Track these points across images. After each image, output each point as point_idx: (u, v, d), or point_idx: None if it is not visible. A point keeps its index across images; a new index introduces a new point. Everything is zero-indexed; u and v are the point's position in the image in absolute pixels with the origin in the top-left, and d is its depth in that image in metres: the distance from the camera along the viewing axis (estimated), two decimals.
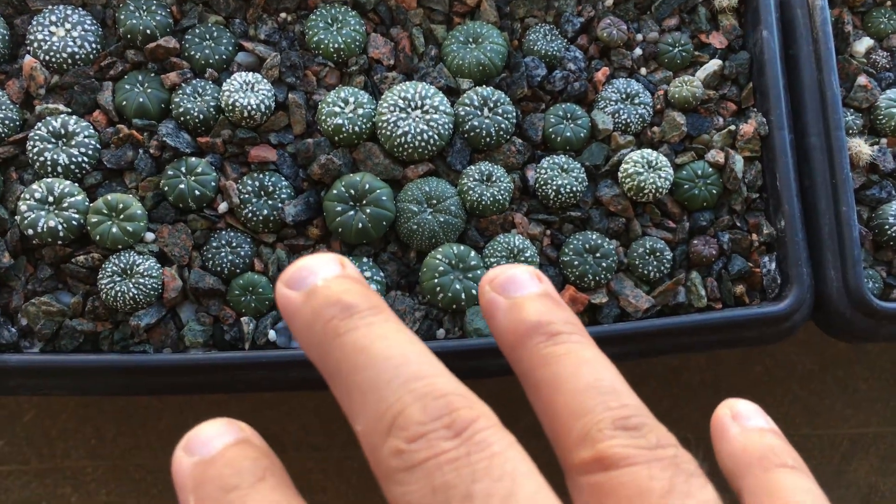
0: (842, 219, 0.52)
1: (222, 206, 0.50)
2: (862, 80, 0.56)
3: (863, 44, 0.58)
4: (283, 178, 0.51)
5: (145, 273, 0.48)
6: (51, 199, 0.48)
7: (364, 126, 0.51)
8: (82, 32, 0.51)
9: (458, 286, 0.50)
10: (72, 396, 0.64)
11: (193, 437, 0.24)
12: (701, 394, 0.70)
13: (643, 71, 0.56)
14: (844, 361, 0.70)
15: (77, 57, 0.51)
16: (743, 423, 0.30)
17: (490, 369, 0.50)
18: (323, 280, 0.24)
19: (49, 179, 0.48)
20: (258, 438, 0.24)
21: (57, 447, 0.65)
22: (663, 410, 0.69)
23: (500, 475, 0.20)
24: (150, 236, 0.50)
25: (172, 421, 0.66)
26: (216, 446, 0.23)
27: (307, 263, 0.25)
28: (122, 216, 0.48)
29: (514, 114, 0.53)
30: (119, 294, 0.48)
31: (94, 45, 0.51)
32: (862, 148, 0.55)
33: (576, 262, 0.52)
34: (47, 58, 0.50)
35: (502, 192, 0.52)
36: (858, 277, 0.51)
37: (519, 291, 0.27)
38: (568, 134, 0.53)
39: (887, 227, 0.54)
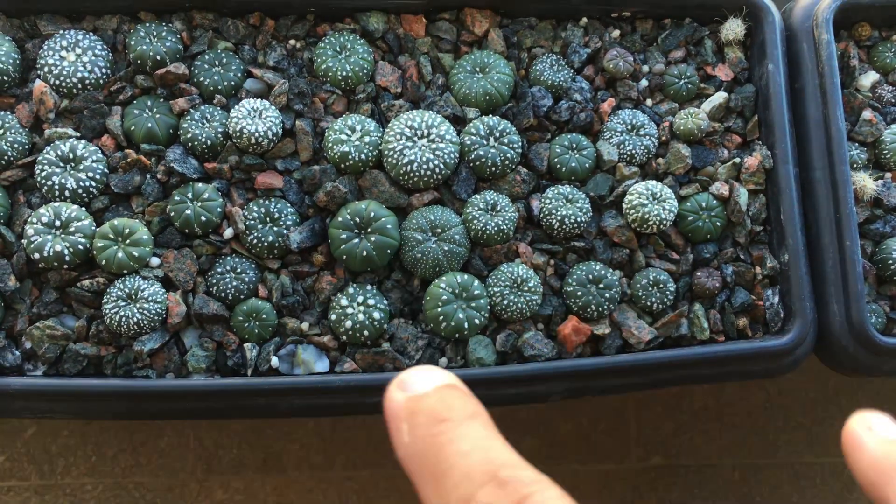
0: (845, 253, 0.52)
1: (228, 232, 0.51)
2: (867, 114, 0.57)
3: (868, 78, 0.58)
4: (288, 205, 0.51)
5: (150, 298, 0.48)
6: (58, 223, 0.48)
7: (370, 154, 0.52)
8: (92, 57, 0.51)
9: (461, 315, 0.50)
10: (74, 420, 0.64)
11: (407, 378, 0.26)
12: (704, 419, 0.70)
13: (649, 102, 0.56)
14: (848, 390, 0.70)
15: (87, 82, 0.51)
16: (880, 433, 0.30)
17: (492, 399, 0.50)
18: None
19: (56, 203, 0.49)
20: (463, 385, 0.26)
21: (57, 464, 0.66)
22: (665, 435, 0.69)
23: None
24: (155, 261, 0.50)
25: (173, 440, 0.66)
26: (429, 385, 0.25)
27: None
28: (128, 241, 0.48)
29: (520, 143, 0.53)
30: (123, 319, 0.48)
31: (103, 70, 0.52)
32: (866, 182, 0.55)
33: (579, 293, 0.52)
34: (57, 82, 0.51)
35: (507, 221, 0.52)
36: (861, 312, 0.51)
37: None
38: (573, 164, 0.54)
39: (891, 261, 0.54)
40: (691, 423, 0.70)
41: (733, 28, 0.56)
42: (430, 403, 0.25)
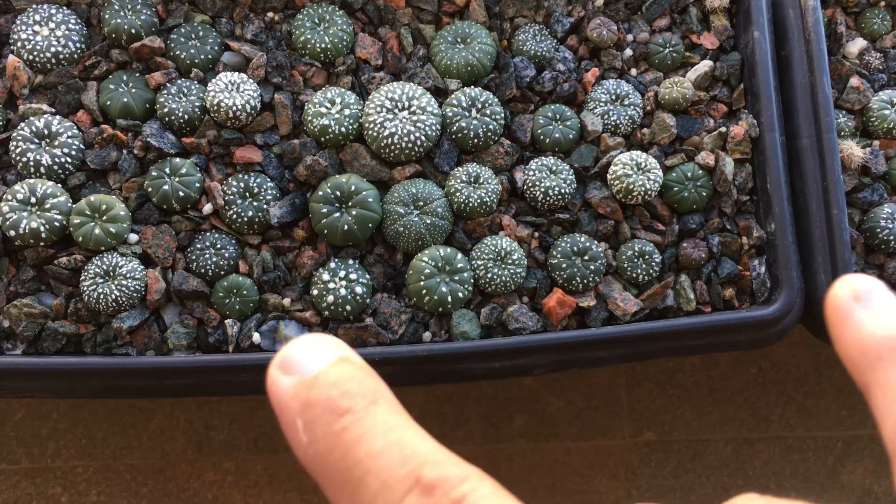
0: (833, 222, 0.51)
1: (207, 208, 0.50)
2: (854, 81, 0.56)
3: (856, 45, 0.57)
4: (268, 180, 0.51)
5: (128, 275, 0.48)
6: (33, 200, 0.47)
7: (351, 127, 0.51)
8: (66, 32, 0.51)
9: (444, 289, 0.49)
10: (54, 399, 0.64)
11: (290, 356, 0.22)
12: (695, 395, 0.69)
13: (633, 72, 0.55)
14: (839, 363, 0.70)
15: (61, 56, 0.50)
16: (868, 304, 0.25)
17: (477, 372, 0.49)
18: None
19: (32, 180, 0.48)
20: (356, 355, 0.23)
21: (47, 447, 0.65)
22: (657, 411, 0.68)
23: None
24: (133, 238, 0.49)
25: (163, 421, 0.65)
26: (318, 363, 0.22)
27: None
28: (105, 217, 0.48)
29: (503, 115, 0.52)
30: (102, 296, 0.47)
31: (78, 45, 0.51)
32: (854, 150, 0.54)
33: (564, 265, 0.51)
34: (31, 57, 0.50)
35: (490, 193, 0.51)
36: None
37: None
38: (557, 135, 0.53)
39: (879, 230, 0.54)
40: (683, 398, 0.69)
41: None
42: (325, 391, 0.21)
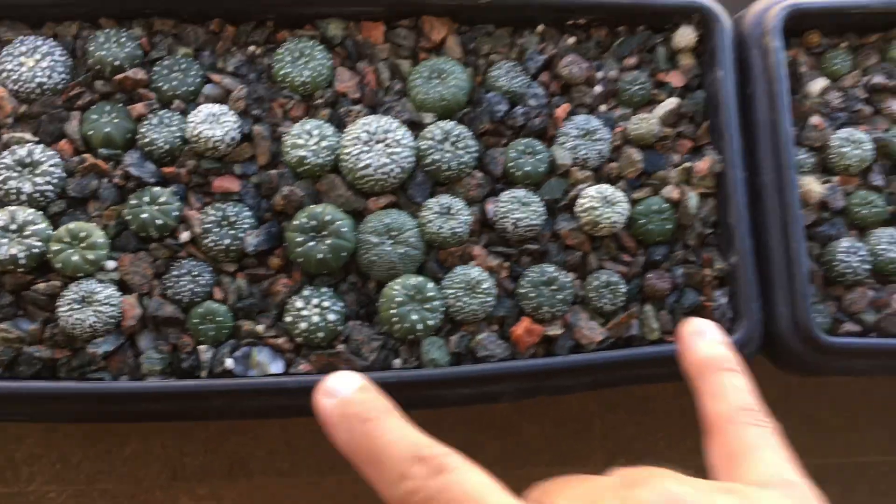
0: (792, 255, 0.53)
1: (184, 236, 0.51)
2: (815, 119, 0.58)
3: (817, 84, 0.59)
4: (245, 209, 0.52)
5: (104, 301, 0.49)
6: (13, 226, 0.48)
7: (327, 158, 0.52)
8: (51, 63, 0.52)
9: (415, 316, 0.50)
10: (29, 423, 0.64)
11: (329, 386, 0.32)
12: (668, 423, 0.70)
13: (603, 108, 0.57)
14: (808, 392, 0.71)
15: (45, 87, 0.52)
16: (703, 337, 0.38)
17: (446, 399, 0.51)
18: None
19: (13, 207, 0.49)
20: (372, 384, 0.33)
21: (21, 472, 0.65)
22: (630, 438, 0.69)
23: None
24: (111, 264, 0.50)
25: (138, 446, 0.66)
26: (350, 389, 0.32)
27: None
28: (84, 244, 0.49)
29: (476, 148, 0.54)
30: (77, 321, 0.48)
31: (62, 76, 0.52)
32: (812, 186, 0.56)
33: (532, 295, 0.52)
34: (16, 87, 0.51)
35: (461, 224, 0.53)
36: (807, 313, 0.52)
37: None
38: (528, 168, 0.54)
39: (836, 263, 0.55)
40: (655, 426, 0.70)
41: (685, 35, 0.57)
42: (356, 407, 0.32)
